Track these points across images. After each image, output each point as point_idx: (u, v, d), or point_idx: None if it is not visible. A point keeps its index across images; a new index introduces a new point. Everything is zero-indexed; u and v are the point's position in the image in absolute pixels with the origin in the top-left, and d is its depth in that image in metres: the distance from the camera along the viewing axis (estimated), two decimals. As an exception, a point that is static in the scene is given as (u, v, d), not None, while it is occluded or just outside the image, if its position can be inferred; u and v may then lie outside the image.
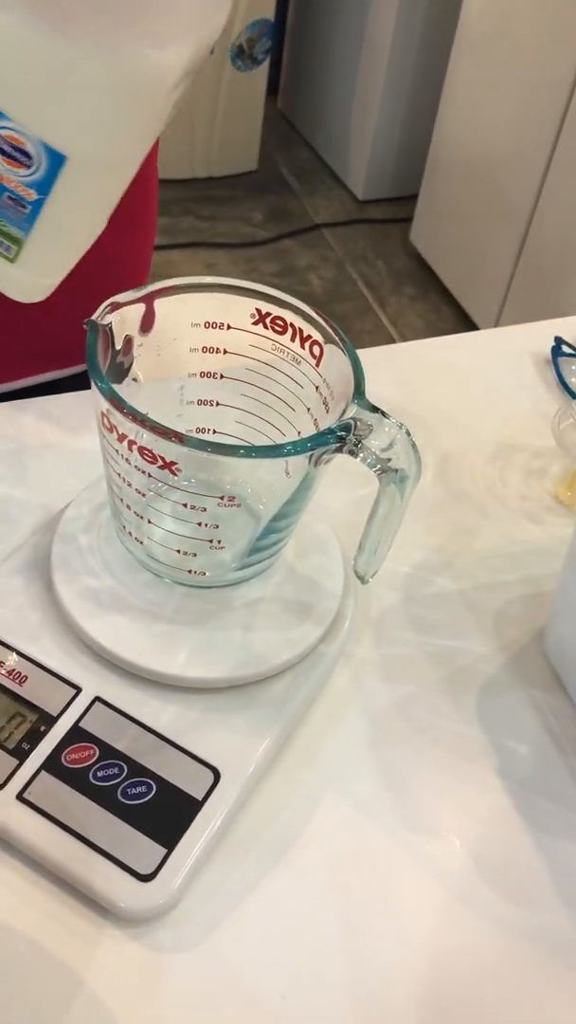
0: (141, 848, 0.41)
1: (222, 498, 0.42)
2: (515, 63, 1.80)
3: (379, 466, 0.41)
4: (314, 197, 2.53)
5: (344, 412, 0.42)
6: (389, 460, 0.41)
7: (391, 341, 2.09)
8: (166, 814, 0.42)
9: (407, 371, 0.71)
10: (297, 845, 0.44)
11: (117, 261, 0.71)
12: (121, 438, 0.41)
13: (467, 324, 2.12)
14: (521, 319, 0.79)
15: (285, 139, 2.74)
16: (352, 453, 0.41)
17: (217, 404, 0.50)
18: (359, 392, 0.42)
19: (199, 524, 0.43)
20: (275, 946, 0.41)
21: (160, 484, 0.42)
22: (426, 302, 2.21)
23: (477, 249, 2.03)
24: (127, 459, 0.42)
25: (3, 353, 0.72)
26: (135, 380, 0.46)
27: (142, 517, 0.45)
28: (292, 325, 0.46)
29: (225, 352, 0.48)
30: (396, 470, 0.41)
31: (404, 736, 0.48)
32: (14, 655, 0.46)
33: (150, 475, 0.41)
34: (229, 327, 0.47)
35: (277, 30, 2.42)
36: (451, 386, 0.70)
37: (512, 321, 1.91)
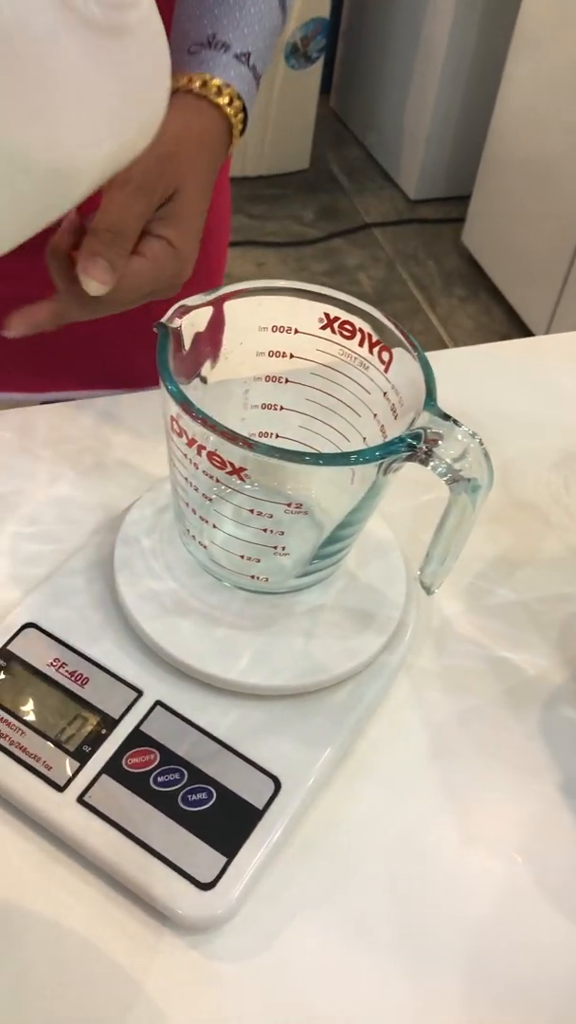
0: (201, 856, 0.40)
1: (289, 504, 0.41)
2: (573, 62, 1.77)
3: (450, 475, 0.40)
4: (365, 196, 2.52)
5: (414, 420, 0.41)
6: (461, 470, 0.40)
7: (441, 342, 2.07)
8: (226, 822, 0.41)
9: (465, 376, 0.70)
10: (357, 857, 0.43)
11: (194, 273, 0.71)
12: (190, 442, 0.40)
13: (518, 326, 2.10)
14: (575, 323, 0.78)
15: (337, 138, 2.73)
16: (423, 462, 0.40)
17: (281, 408, 0.49)
18: (431, 399, 0.41)
19: (264, 530, 0.43)
20: (335, 957, 0.40)
21: (226, 489, 0.41)
22: (477, 303, 2.19)
23: (530, 250, 2.00)
24: (194, 463, 0.41)
25: (78, 366, 0.72)
26: (202, 383, 0.46)
27: (206, 521, 0.44)
28: (361, 330, 0.45)
29: (291, 356, 0.47)
30: (468, 480, 0.40)
31: (466, 749, 0.47)
32: (75, 656, 0.46)
33: (217, 480, 0.41)
34: (297, 331, 0.47)
35: (331, 28, 2.41)
36: (510, 392, 0.69)
37: (565, 324, 1.88)
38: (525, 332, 2.06)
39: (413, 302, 2.18)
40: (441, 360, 0.72)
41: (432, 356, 0.71)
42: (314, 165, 2.58)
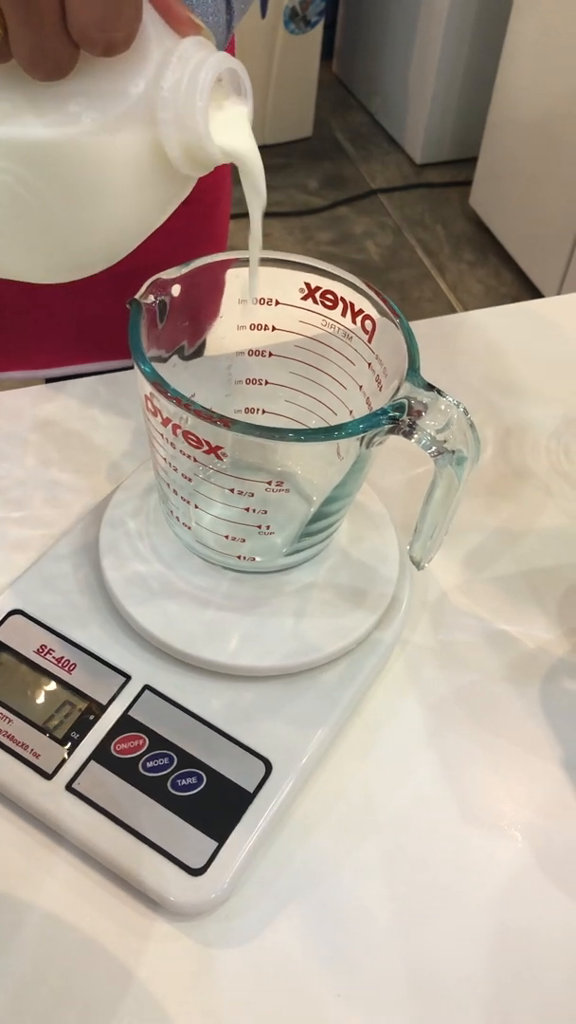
0: (191, 841, 0.40)
1: (270, 483, 0.40)
2: (579, 15, 1.72)
3: (435, 448, 0.39)
4: (370, 162, 2.48)
5: (397, 391, 0.40)
6: (445, 441, 0.39)
7: (451, 308, 2.04)
8: (217, 806, 0.41)
9: (468, 342, 0.68)
10: (352, 839, 0.42)
11: (192, 246, 0.70)
12: (165, 422, 0.39)
13: (529, 289, 2.06)
14: (586, 284, 0.76)
15: (340, 103, 2.69)
16: (406, 435, 0.39)
17: (266, 383, 0.48)
18: (413, 369, 0.40)
19: (247, 509, 0.42)
20: (330, 942, 0.39)
21: (206, 468, 0.40)
22: (486, 267, 2.15)
23: (539, 212, 1.96)
24: (172, 443, 0.40)
25: (67, 338, 0.72)
26: (181, 359, 0.45)
27: (189, 502, 0.43)
28: (343, 299, 0.44)
29: (274, 329, 0.46)
30: (453, 451, 0.39)
31: (463, 726, 0.46)
32: (62, 642, 0.45)
33: (196, 460, 0.40)
34: (277, 303, 0.45)
35: (331, -10, 2.36)
36: (515, 357, 0.67)
37: (576, 286, 1.85)
38: (536, 295, 2.03)
39: (422, 269, 2.15)
40: (442, 327, 0.70)
41: (432, 323, 0.70)
42: (317, 132, 2.54)
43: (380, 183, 2.40)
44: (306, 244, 2.15)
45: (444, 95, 2.31)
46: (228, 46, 0.67)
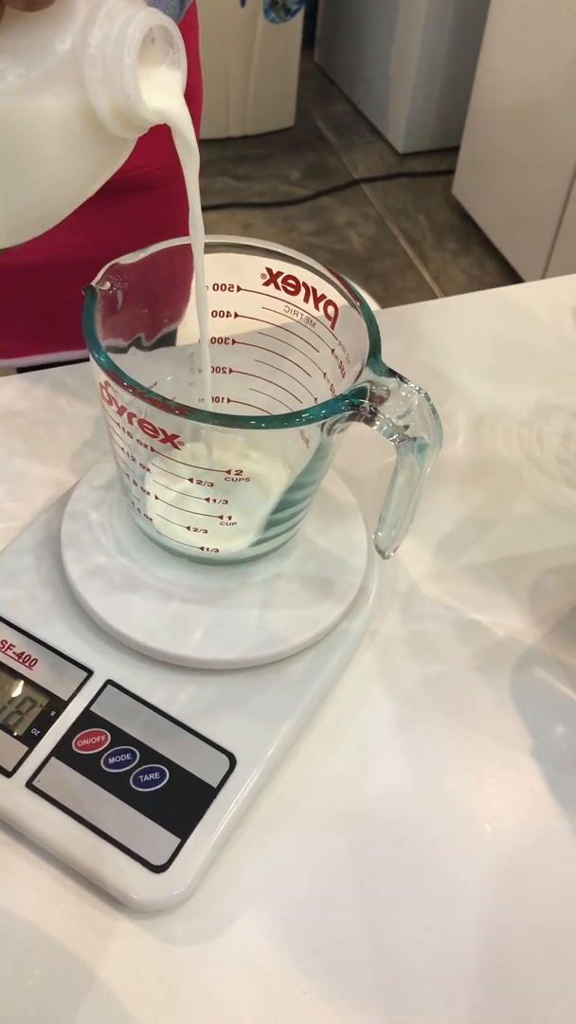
0: (154, 837, 0.39)
1: (229, 472, 0.40)
2: (559, 3, 1.71)
3: (396, 435, 0.38)
4: (353, 152, 2.46)
5: (359, 376, 0.39)
6: (407, 428, 0.38)
7: (434, 298, 2.03)
8: (180, 802, 0.40)
9: (442, 329, 0.68)
10: (319, 833, 0.42)
11: (157, 233, 0.69)
12: (121, 410, 0.38)
13: (512, 278, 2.05)
14: (568, 272, 0.75)
15: (322, 93, 2.67)
16: (367, 421, 0.38)
17: (231, 371, 0.47)
18: (374, 355, 0.39)
19: (207, 499, 0.41)
20: (296, 939, 0.39)
21: (164, 458, 0.40)
22: (469, 256, 2.15)
23: (522, 200, 1.95)
24: (129, 432, 0.39)
25: (35, 327, 0.71)
26: (140, 349, 0.44)
27: (149, 493, 0.43)
28: (305, 284, 0.43)
29: (236, 316, 0.45)
30: (415, 438, 0.38)
31: (433, 717, 0.46)
32: (23, 637, 0.45)
33: (153, 449, 0.39)
34: (239, 288, 0.45)
35: (311, -21, 2.35)
36: (488, 344, 0.67)
37: (559, 273, 1.84)
38: (519, 283, 2.02)
39: (405, 258, 2.14)
40: (415, 313, 0.69)
41: (407, 309, 0.69)
42: (299, 122, 2.53)
43: (362, 173, 2.39)
44: (289, 235, 2.14)
45: (426, 84, 2.30)
46: (191, 29, 0.65)
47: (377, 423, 0.38)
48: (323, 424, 0.38)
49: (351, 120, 2.58)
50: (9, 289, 0.68)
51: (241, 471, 0.40)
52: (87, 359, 0.66)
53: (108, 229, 0.67)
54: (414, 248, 2.17)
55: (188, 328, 0.47)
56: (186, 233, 0.75)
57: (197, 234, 0.40)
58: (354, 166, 2.41)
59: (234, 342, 0.46)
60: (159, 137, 0.66)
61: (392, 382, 0.38)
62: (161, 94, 0.34)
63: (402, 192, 2.34)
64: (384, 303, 1.93)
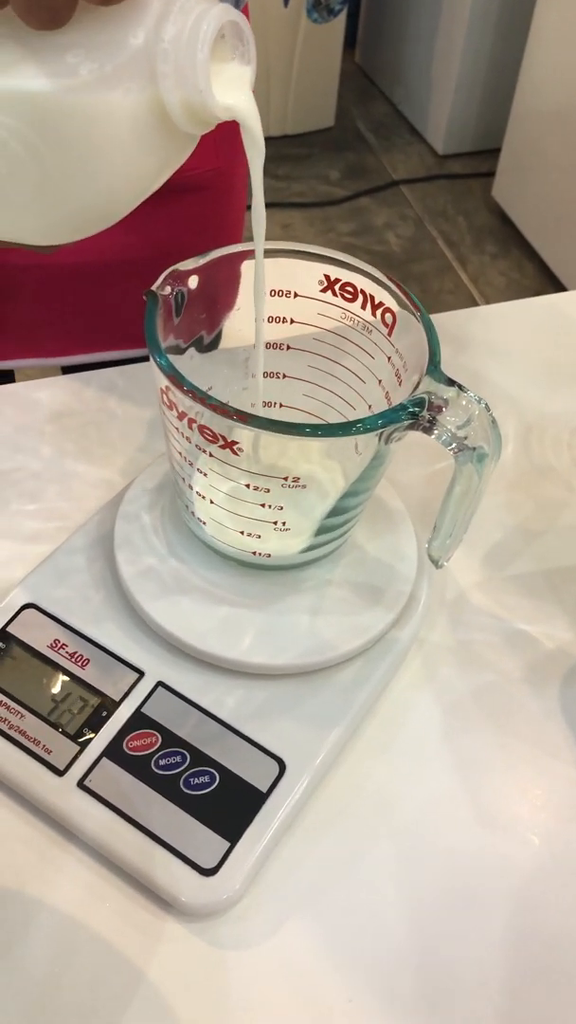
0: (204, 841, 0.39)
1: (286, 479, 0.40)
2: (607, 3, 1.70)
3: (455, 444, 0.38)
4: (392, 153, 2.46)
5: (417, 386, 0.39)
6: (466, 438, 0.38)
7: (472, 301, 2.02)
8: (229, 806, 0.40)
9: (490, 336, 0.67)
10: (366, 841, 0.42)
11: (205, 234, 0.70)
12: (181, 416, 0.39)
13: (552, 281, 2.04)
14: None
15: (363, 93, 2.67)
16: (426, 431, 0.38)
17: (284, 376, 0.47)
18: (434, 364, 0.39)
19: (262, 505, 0.41)
20: (341, 946, 0.39)
21: (222, 464, 0.40)
22: (508, 259, 2.13)
23: (563, 203, 1.94)
24: (188, 437, 0.40)
25: (81, 326, 0.71)
26: (198, 352, 0.44)
27: (204, 497, 0.43)
28: (363, 291, 0.43)
29: (292, 322, 0.45)
30: (474, 448, 0.38)
31: (481, 728, 0.46)
32: (76, 636, 0.45)
33: (211, 454, 0.39)
34: (296, 295, 0.45)
35: (355, -21, 2.34)
36: (536, 352, 0.66)
37: (600, 279, 1.83)
38: (559, 288, 2.00)
39: (443, 260, 2.13)
40: (463, 320, 0.69)
41: (453, 316, 0.69)
42: (339, 122, 2.52)
43: (402, 174, 2.38)
44: (327, 235, 2.14)
45: (468, 85, 2.28)
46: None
47: (436, 432, 0.38)
48: (381, 433, 0.38)
49: (391, 121, 2.58)
50: (57, 289, 0.68)
51: (298, 478, 0.40)
52: (132, 360, 0.67)
53: (157, 230, 0.67)
54: (452, 250, 2.16)
55: (231, 331, 0.47)
56: (232, 235, 0.76)
57: (259, 233, 0.40)
58: (394, 167, 2.41)
59: (289, 347, 0.46)
60: (210, 138, 0.66)
61: (451, 391, 0.38)
62: (231, 90, 0.34)
63: (441, 194, 2.33)
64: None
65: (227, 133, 0.71)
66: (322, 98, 2.44)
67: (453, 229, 2.22)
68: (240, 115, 0.35)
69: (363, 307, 0.43)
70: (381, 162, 2.42)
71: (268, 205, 0.40)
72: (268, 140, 0.41)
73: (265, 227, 0.40)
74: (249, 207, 0.41)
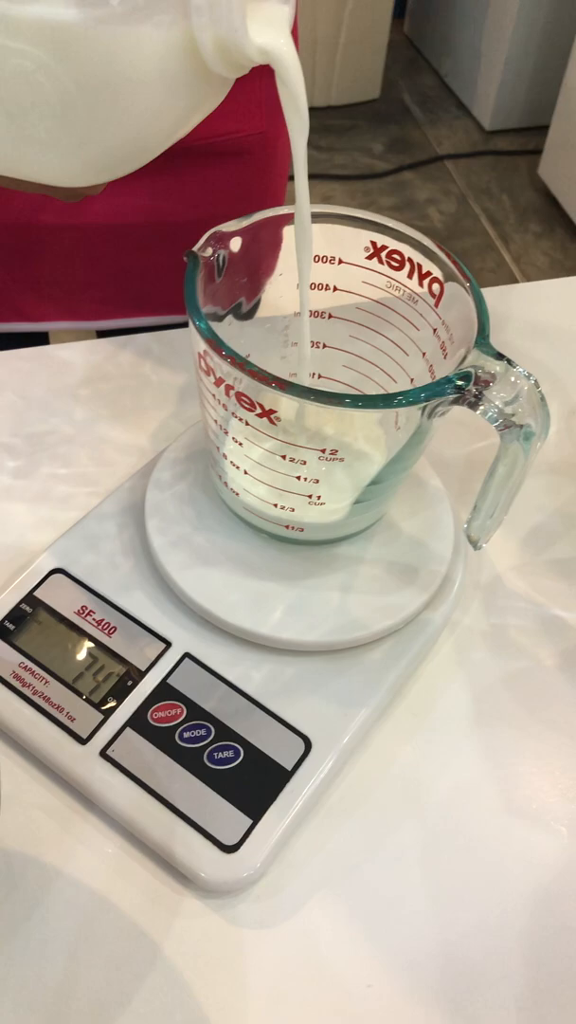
0: (226, 817, 0.39)
1: (324, 451, 0.38)
2: None
3: (502, 421, 0.37)
4: (438, 127, 2.41)
5: (464, 359, 0.37)
6: (513, 415, 0.36)
7: (513, 280, 1.98)
8: (253, 782, 0.39)
9: (531, 314, 0.65)
10: (391, 824, 0.41)
11: (246, 201, 0.68)
12: (218, 382, 0.37)
13: (596, 264, 2.00)
14: None
15: (410, 65, 2.62)
16: (471, 406, 0.37)
17: (324, 346, 0.46)
18: (483, 336, 0.37)
19: (298, 478, 0.40)
20: (361, 931, 0.38)
21: (259, 433, 0.39)
22: (552, 239, 2.09)
23: (612, 183, 1.89)
24: (224, 404, 0.38)
25: (115, 290, 0.70)
26: (236, 319, 0.43)
27: (239, 467, 0.42)
28: (410, 260, 0.42)
29: (335, 289, 0.44)
30: (521, 426, 0.36)
31: (512, 715, 0.45)
32: (103, 604, 0.44)
33: (248, 423, 0.38)
34: (341, 261, 0.43)
35: (406, -54, 2.29)
36: (581, 331, 0.64)
37: None
38: (603, 271, 1.96)
39: (485, 238, 2.10)
40: (503, 296, 0.67)
41: (493, 292, 0.67)
42: (385, 94, 2.48)
43: (447, 149, 2.34)
44: (368, 209, 2.10)
45: (518, 59, 2.23)
46: None
47: (481, 408, 0.37)
48: (424, 407, 0.37)
49: (438, 94, 2.53)
50: (92, 251, 0.67)
51: (336, 451, 0.39)
52: (166, 326, 0.66)
53: (195, 195, 0.66)
54: (495, 228, 2.12)
55: (271, 299, 0.45)
56: (273, 203, 0.74)
57: (302, 198, 0.38)
58: (438, 141, 2.36)
59: (330, 316, 0.45)
60: (258, 100, 0.64)
61: (500, 365, 0.37)
62: (268, 30, 0.32)
63: (486, 170, 2.29)
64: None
65: (273, 96, 0.69)
66: (368, 69, 2.40)
67: (497, 207, 2.18)
68: (276, 58, 0.33)
69: (410, 276, 0.42)
70: (426, 136, 2.38)
71: (309, 176, 0.38)
72: (312, 111, 0.40)
73: (308, 195, 0.39)
74: (291, 178, 0.39)
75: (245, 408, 0.37)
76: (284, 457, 0.39)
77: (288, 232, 0.42)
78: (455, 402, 0.37)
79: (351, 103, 2.42)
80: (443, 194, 2.21)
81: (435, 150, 2.33)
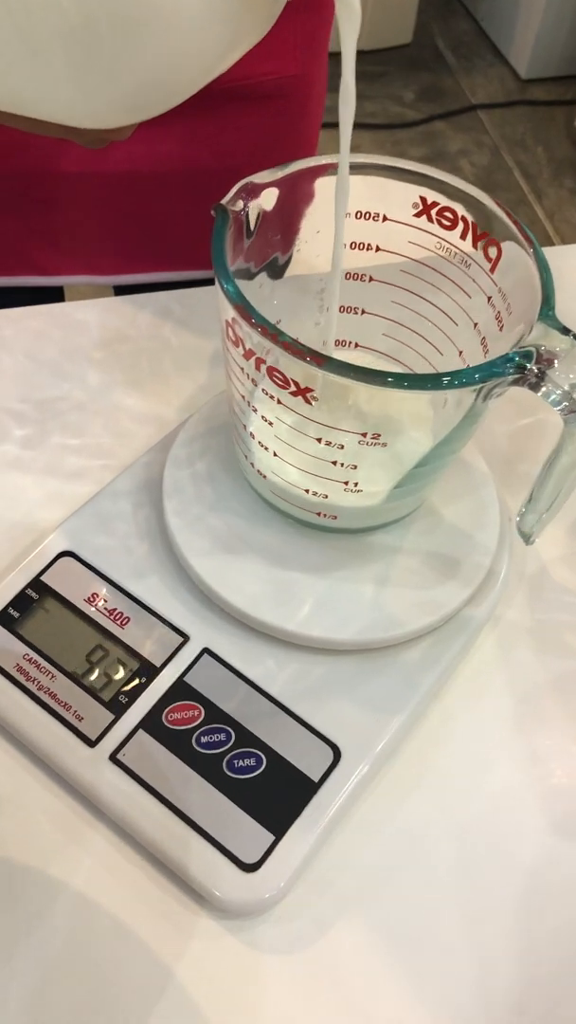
0: (246, 832, 0.35)
1: (364, 435, 0.34)
2: None
3: (566, 404, 0.32)
4: (472, 75, 2.31)
5: (525, 334, 0.33)
6: (581, 399, 0.32)
7: (547, 238, 1.91)
8: (276, 794, 0.36)
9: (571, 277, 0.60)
10: (424, 839, 0.37)
11: (277, 150, 0.63)
12: (248, 354, 0.33)
13: None
14: None
15: (444, 8, 2.51)
16: (533, 387, 0.33)
17: (363, 312, 0.42)
18: (548, 308, 0.33)
19: (334, 463, 0.36)
20: (393, 956, 0.35)
21: (292, 413, 0.34)
22: (588, 196, 2.01)
23: None
24: (253, 380, 0.34)
25: (135, 242, 0.66)
26: (269, 279, 0.39)
27: (267, 449, 0.38)
28: (464, 219, 0.37)
29: (378, 249, 0.40)
30: (589, 412, 0.32)
31: (557, 720, 0.41)
32: (116, 591, 0.41)
33: (280, 401, 0.34)
34: (385, 218, 0.39)
35: None
36: None
37: None
38: None
39: (518, 192, 2.02)
40: (555, 258, 0.62)
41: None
42: (417, 39, 2.38)
43: (480, 98, 2.25)
44: (396, 160, 2.03)
45: (559, 3, 2.13)
46: None
47: (544, 389, 0.33)
48: (480, 388, 0.33)
49: (472, 40, 2.42)
50: (112, 200, 0.63)
51: (378, 435, 0.34)
52: (188, 282, 0.61)
53: (225, 141, 0.61)
54: (529, 182, 2.04)
55: (307, 257, 0.41)
56: (307, 153, 0.69)
57: (345, 138, 0.34)
58: (472, 90, 2.27)
59: (371, 279, 0.41)
60: (293, 41, 0.59)
61: (567, 341, 0.32)
62: None
63: (521, 121, 2.20)
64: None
65: (311, 37, 0.63)
66: (401, 12, 2.30)
67: (531, 160, 2.10)
68: None
69: (463, 237, 0.37)
70: (459, 84, 2.29)
71: (334, 124, 0.34)
72: (340, 56, 0.36)
73: (350, 136, 0.34)
74: (324, 125, 0.35)
75: (278, 385, 0.33)
76: (320, 441, 0.35)
77: (324, 185, 0.38)
78: (515, 383, 0.33)
79: (382, 48, 2.32)
80: (475, 145, 2.13)
81: (468, 99, 2.24)
